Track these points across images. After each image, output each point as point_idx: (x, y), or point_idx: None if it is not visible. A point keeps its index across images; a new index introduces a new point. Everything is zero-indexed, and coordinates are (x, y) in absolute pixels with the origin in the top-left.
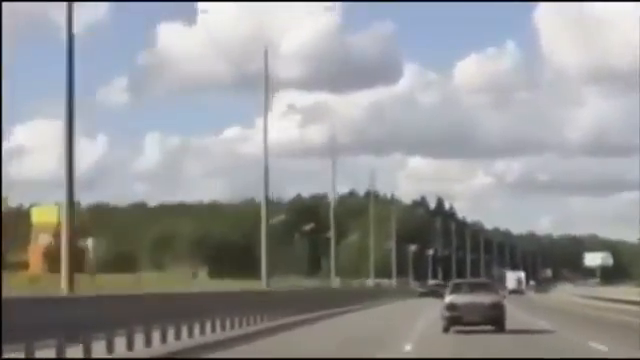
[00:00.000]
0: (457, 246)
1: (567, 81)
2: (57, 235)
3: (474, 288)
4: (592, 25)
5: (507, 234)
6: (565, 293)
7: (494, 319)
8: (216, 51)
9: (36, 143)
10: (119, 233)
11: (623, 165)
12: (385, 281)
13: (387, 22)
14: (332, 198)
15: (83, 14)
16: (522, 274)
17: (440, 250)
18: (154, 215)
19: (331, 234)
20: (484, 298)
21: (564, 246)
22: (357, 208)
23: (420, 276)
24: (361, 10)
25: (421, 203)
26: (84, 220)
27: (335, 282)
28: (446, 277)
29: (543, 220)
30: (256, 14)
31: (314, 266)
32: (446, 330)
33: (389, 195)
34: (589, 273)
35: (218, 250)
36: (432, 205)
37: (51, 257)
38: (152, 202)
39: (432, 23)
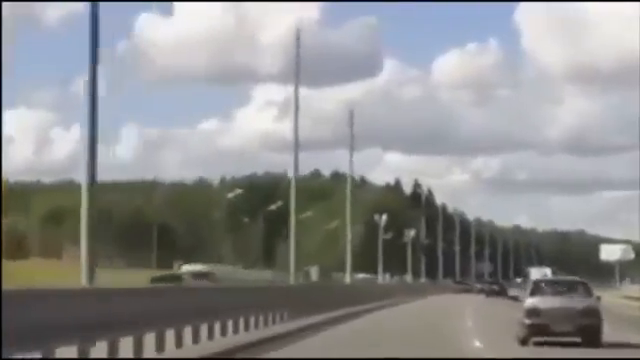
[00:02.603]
0: (439, 237)
1: (548, 79)
2: None
3: (563, 288)
4: (573, 24)
5: (491, 226)
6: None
7: (589, 329)
8: (194, 43)
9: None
10: (35, 214)
11: (602, 164)
12: (313, 272)
13: (368, 17)
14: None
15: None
16: (548, 270)
17: (421, 239)
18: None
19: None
20: (576, 302)
21: (552, 242)
22: (321, 190)
23: (394, 269)
24: (342, 5)
25: (395, 188)
26: None
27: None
28: (430, 272)
29: (522, 217)
30: (235, 7)
31: (267, 256)
32: (524, 342)
33: (359, 178)
34: (606, 270)
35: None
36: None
37: None
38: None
39: (413, 18)
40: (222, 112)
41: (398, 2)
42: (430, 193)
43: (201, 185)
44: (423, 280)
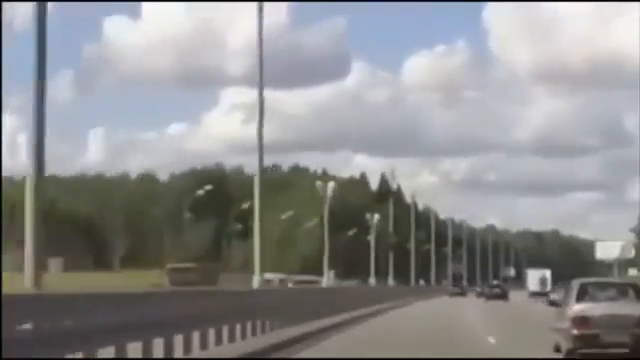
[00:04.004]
0: (411, 233)
1: (516, 81)
2: None
3: (612, 293)
4: (541, 25)
5: (464, 226)
6: None
7: None
8: (162, 46)
9: None
10: None
11: (571, 165)
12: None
13: (336, 19)
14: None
15: (28, 6)
16: (547, 273)
17: (389, 234)
18: (17, 189)
19: None
20: (631, 308)
21: (527, 243)
22: (281, 183)
23: (358, 271)
24: (310, 6)
25: (360, 181)
26: None
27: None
28: (400, 274)
29: (492, 219)
30: (202, 9)
31: (213, 255)
32: (570, 354)
33: (321, 171)
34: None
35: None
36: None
37: None
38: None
39: (381, 20)
40: (190, 115)
41: (367, 3)
42: (399, 189)
43: (147, 179)
44: (391, 283)
